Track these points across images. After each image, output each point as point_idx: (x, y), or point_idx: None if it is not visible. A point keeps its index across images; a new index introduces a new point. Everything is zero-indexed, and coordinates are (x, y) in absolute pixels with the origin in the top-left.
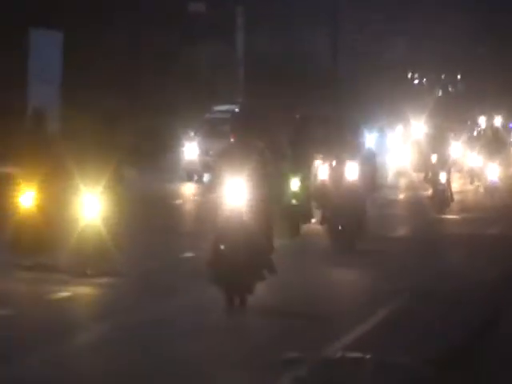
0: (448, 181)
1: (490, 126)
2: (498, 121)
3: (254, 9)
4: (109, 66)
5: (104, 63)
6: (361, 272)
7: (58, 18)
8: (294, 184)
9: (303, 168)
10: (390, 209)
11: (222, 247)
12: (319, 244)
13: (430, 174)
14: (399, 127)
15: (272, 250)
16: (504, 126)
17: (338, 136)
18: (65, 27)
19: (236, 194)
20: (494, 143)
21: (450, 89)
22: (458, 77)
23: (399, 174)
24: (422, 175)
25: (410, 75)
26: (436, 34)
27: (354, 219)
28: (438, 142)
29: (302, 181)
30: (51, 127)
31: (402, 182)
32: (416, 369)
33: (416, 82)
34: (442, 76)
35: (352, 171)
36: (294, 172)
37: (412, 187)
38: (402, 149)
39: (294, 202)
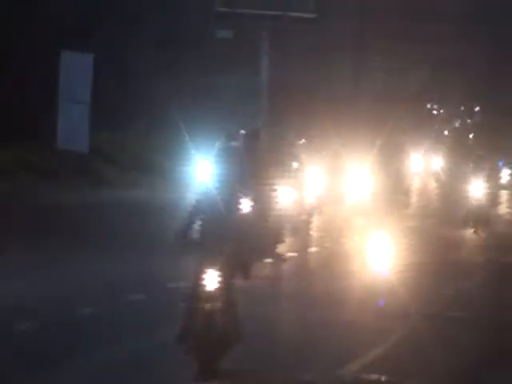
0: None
1: None
2: None
3: (280, 36)
4: (136, 87)
5: (131, 86)
6: None
7: (89, 40)
8: None
9: None
10: None
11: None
12: None
13: None
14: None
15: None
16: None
17: None
18: (95, 49)
19: None
20: None
21: (468, 120)
22: (476, 109)
23: None
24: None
25: (429, 105)
26: (456, 65)
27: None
28: None
29: None
30: None
31: None
32: None
33: (435, 112)
34: (461, 108)
35: None
36: None
37: None
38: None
39: None
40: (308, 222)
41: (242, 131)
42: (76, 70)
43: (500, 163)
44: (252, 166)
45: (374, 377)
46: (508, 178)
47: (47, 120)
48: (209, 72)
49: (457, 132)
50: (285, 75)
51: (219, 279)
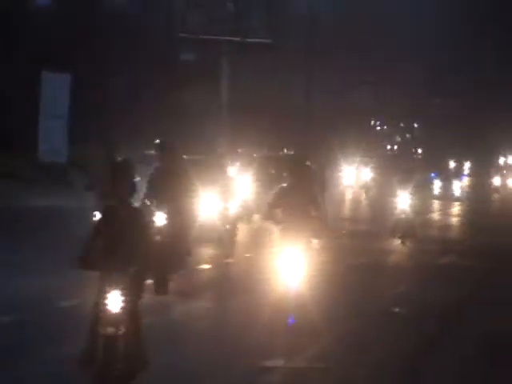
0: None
1: None
2: None
3: (238, 58)
4: (110, 104)
5: (106, 102)
6: None
7: (67, 61)
8: None
9: None
10: None
11: None
12: None
13: None
14: None
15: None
16: None
17: None
18: (72, 69)
19: None
20: None
21: (407, 135)
22: (415, 125)
23: None
24: None
25: (372, 122)
26: (397, 85)
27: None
28: None
29: None
30: None
31: None
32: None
33: (378, 128)
34: (401, 124)
35: None
36: None
37: None
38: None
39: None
40: (232, 232)
41: (156, 141)
42: (55, 88)
43: (432, 175)
44: (165, 178)
45: (322, 366)
46: (439, 189)
47: (29, 133)
48: (174, 89)
49: (400, 146)
50: (243, 93)
51: (123, 300)
